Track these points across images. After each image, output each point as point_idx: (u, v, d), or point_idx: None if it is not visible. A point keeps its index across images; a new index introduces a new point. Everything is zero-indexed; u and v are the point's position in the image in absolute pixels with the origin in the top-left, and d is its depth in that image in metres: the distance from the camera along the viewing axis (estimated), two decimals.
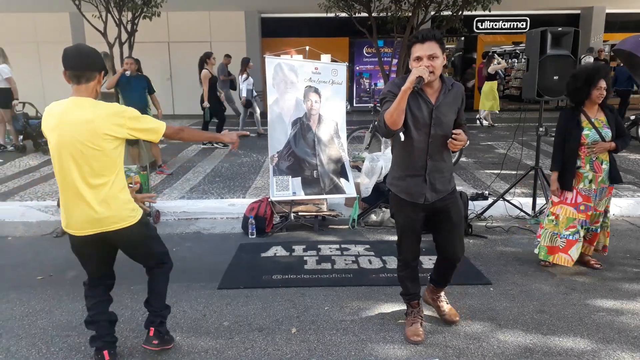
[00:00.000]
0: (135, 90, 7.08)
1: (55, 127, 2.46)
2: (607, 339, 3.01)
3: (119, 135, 2.52)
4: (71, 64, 2.49)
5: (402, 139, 2.78)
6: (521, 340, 3.00)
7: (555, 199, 4.02)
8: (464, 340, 3.00)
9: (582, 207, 3.90)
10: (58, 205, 5.18)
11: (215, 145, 9.46)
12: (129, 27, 10.25)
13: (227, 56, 11.51)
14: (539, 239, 4.11)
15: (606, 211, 4.03)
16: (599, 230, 4.03)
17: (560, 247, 3.95)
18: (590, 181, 3.88)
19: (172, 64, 15.22)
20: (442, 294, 3.24)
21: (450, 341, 3.00)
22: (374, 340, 3.02)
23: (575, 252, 3.92)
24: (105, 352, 2.73)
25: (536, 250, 4.11)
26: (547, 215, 4.08)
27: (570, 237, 3.91)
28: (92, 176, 2.49)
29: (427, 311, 3.34)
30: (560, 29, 4.92)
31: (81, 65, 2.49)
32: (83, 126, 2.44)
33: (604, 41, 15.29)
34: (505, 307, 3.44)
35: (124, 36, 10.18)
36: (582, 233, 3.94)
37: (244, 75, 10.72)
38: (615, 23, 15.39)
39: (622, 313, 3.32)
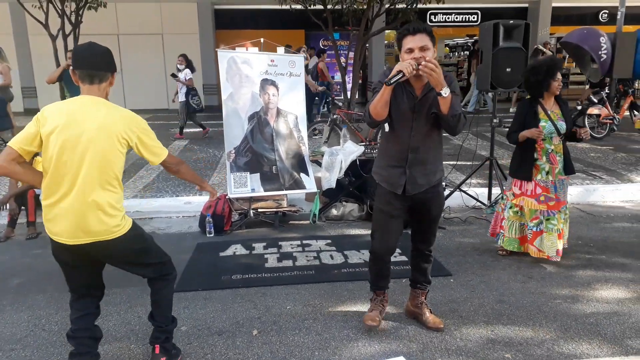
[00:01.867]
0: None
1: (65, 127, 2.27)
2: (564, 326, 3.07)
3: (130, 141, 2.36)
4: (84, 64, 2.36)
5: (387, 129, 2.79)
6: (483, 332, 3.02)
7: (516, 191, 4.05)
8: (427, 335, 3.00)
9: (542, 198, 3.97)
10: (1, 208, 4.87)
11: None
12: (72, 18, 9.76)
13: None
14: (502, 230, 4.15)
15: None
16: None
17: (528, 238, 4.02)
18: (547, 173, 3.95)
19: (122, 58, 14.65)
20: (424, 299, 3.15)
21: (414, 336, 2.99)
22: (337, 339, 2.97)
23: (540, 243, 3.96)
24: None
25: (500, 242, 4.16)
26: (510, 207, 4.11)
27: (535, 229, 3.98)
28: (96, 181, 2.31)
29: (391, 307, 3.33)
30: (511, 21, 5.00)
31: (95, 66, 2.37)
32: (100, 126, 2.29)
33: (551, 34, 15.82)
34: (466, 298, 3.47)
35: (68, 28, 9.69)
36: (545, 224, 3.95)
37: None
38: (561, 16, 15.95)
39: (578, 300, 3.41)
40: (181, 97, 9.58)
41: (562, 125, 3.89)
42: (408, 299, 3.24)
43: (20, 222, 4.94)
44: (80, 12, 9.79)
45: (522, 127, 3.94)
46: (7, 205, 4.84)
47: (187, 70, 9.50)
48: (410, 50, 2.61)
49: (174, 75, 9.53)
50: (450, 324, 3.11)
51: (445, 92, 2.54)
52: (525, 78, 3.97)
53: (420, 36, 2.61)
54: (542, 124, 3.89)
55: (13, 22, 13.97)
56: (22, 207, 4.94)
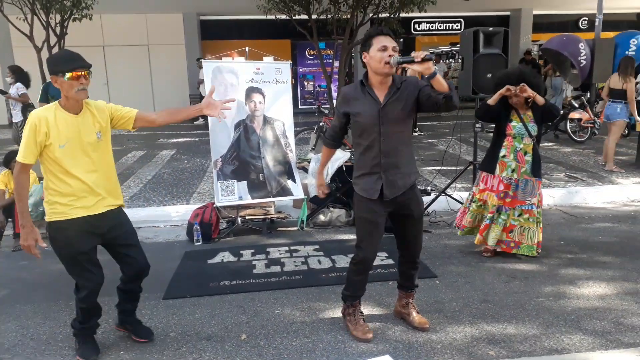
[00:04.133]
0: None
1: None
2: (547, 323, 3.15)
3: None
4: None
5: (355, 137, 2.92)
6: (467, 330, 3.08)
7: (482, 186, 4.23)
8: (412, 334, 3.05)
9: (502, 195, 4.12)
10: None
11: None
12: (58, 30, 9.75)
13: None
14: (464, 223, 4.37)
15: (538, 206, 4.20)
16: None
17: (481, 227, 4.22)
18: (513, 170, 4.08)
19: (107, 69, 14.64)
20: (411, 300, 3.20)
21: (400, 336, 3.04)
22: (325, 341, 3.01)
23: (489, 235, 4.16)
24: None
25: (459, 233, 4.42)
26: (474, 201, 4.30)
27: (488, 221, 4.17)
28: None
29: (377, 309, 3.38)
30: (491, 29, 5.13)
31: None
32: None
33: (533, 41, 16.12)
34: (451, 298, 3.53)
35: (53, 39, 9.68)
36: (496, 216, 4.13)
37: None
38: (542, 24, 16.27)
39: (560, 297, 3.49)
40: (17, 117, 8.06)
41: (534, 127, 4.03)
42: (397, 299, 3.30)
43: (7, 234, 4.92)
44: (65, 24, 9.78)
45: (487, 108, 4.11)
46: None
47: (19, 84, 8.06)
48: (385, 48, 2.70)
49: (3, 92, 8.17)
50: (436, 323, 3.17)
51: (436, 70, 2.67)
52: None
53: (391, 38, 2.75)
54: (513, 124, 4.05)
55: None
56: (9, 219, 4.92)
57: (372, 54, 2.74)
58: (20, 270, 4.30)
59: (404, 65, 2.67)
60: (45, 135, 2.60)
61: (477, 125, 5.51)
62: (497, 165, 4.11)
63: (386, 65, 2.69)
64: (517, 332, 3.05)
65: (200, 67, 13.65)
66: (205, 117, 14.40)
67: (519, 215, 4.11)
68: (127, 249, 2.89)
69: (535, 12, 15.90)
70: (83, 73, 2.62)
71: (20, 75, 8.05)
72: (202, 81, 13.53)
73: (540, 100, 3.94)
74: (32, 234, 2.67)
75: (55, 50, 9.69)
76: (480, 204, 4.27)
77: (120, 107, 2.88)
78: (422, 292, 3.60)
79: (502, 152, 4.09)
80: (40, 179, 4.93)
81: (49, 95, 6.65)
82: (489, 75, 5.07)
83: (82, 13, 9.68)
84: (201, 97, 13.89)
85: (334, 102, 10.26)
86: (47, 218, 2.70)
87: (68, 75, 2.59)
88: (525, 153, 4.05)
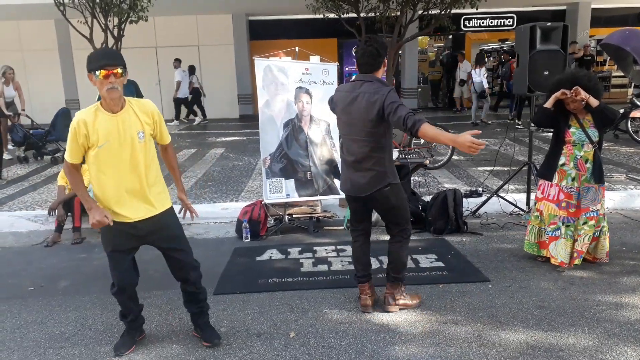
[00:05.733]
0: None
1: None
2: (608, 333, 2.99)
3: None
4: None
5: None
6: (522, 337, 2.97)
7: (539, 195, 4.04)
8: (464, 339, 2.97)
9: (563, 204, 3.92)
10: (48, 213, 5.10)
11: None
12: (115, 32, 10.13)
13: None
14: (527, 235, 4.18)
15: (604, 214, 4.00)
16: (598, 234, 3.98)
17: (547, 242, 4.00)
18: (573, 179, 3.88)
19: (160, 69, 15.11)
20: None
21: (452, 340, 2.96)
22: (373, 342, 2.97)
23: (554, 248, 3.93)
24: None
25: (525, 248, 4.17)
26: (533, 212, 4.13)
27: (551, 234, 3.96)
28: None
29: (428, 312, 3.32)
30: (549, 24, 4.92)
31: None
32: None
33: (590, 36, 15.40)
34: (504, 303, 3.41)
35: (111, 42, 10.07)
36: (563, 230, 3.90)
37: (477, 70, 11.78)
38: (600, 18, 15.51)
39: (622, 306, 3.31)
40: None
41: (594, 133, 3.83)
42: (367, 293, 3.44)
43: (67, 227, 5.16)
44: (123, 27, 10.14)
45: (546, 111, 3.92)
46: (56, 211, 5.06)
47: None
48: None
49: None
50: (488, 329, 3.07)
51: None
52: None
53: None
54: (572, 130, 3.86)
55: (58, 37, 14.62)
56: (69, 214, 5.15)
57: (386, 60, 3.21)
58: (79, 262, 4.50)
59: None
60: (85, 137, 2.61)
61: (532, 125, 5.31)
62: (556, 174, 3.93)
63: None
64: (576, 341, 2.91)
65: (176, 67, 13.66)
66: (205, 115, 14.18)
67: (583, 224, 3.91)
68: (170, 251, 2.88)
69: (593, 6, 15.17)
70: (112, 71, 2.54)
71: None
72: (179, 84, 13.62)
73: (593, 102, 3.74)
74: (99, 211, 2.67)
75: None
76: (537, 215, 4.08)
77: (163, 125, 2.96)
78: (473, 297, 3.51)
79: (562, 160, 3.91)
80: None
81: None
82: (546, 72, 4.88)
83: (138, 15, 10.00)
84: (177, 101, 13.90)
85: None
86: None
87: (98, 73, 2.54)
88: (587, 161, 3.85)
